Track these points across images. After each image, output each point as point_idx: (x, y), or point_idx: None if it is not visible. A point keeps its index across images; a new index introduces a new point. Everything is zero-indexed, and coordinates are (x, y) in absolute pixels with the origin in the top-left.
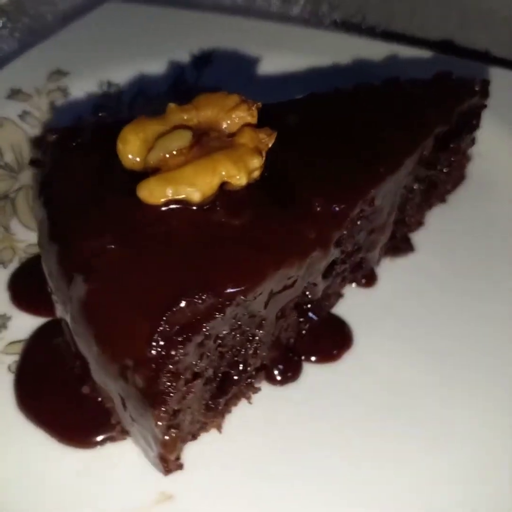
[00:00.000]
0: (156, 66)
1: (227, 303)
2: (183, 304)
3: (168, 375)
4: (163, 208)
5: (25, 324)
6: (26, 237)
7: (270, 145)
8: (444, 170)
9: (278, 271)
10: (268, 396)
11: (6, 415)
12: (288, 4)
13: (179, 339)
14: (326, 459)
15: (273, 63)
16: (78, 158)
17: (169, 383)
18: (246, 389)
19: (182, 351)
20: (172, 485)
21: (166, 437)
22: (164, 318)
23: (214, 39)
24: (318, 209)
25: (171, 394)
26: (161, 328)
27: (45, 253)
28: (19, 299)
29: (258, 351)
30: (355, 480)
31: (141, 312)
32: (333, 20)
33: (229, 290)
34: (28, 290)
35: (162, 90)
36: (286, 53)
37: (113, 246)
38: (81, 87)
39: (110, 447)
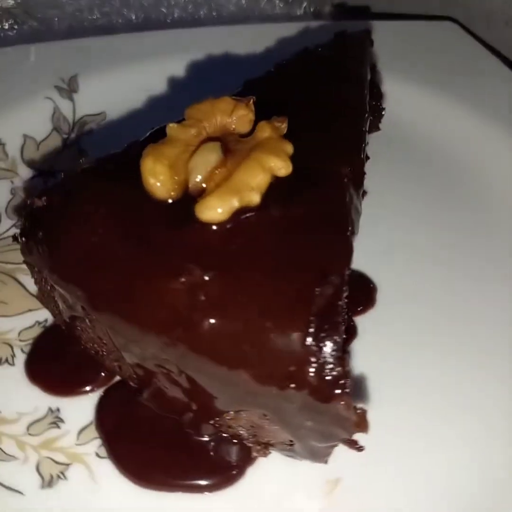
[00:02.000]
0: (30, 109)
1: (343, 278)
2: (317, 293)
3: (336, 361)
4: (225, 222)
5: (77, 407)
6: (10, 326)
7: (285, 131)
8: (375, 114)
9: (349, 238)
10: None
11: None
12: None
13: (330, 326)
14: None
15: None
16: (90, 211)
17: (339, 368)
18: None
19: (338, 335)
20: (332, 471)
21: (358, 417)
22: (310, 312)
23: (76, 66)
24: (345, 180)
25: (346, 377)
26: (311, 323)
27: (104, 318)
28: (57, 387)
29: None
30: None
31: (284, 318)
32: None
33: (338, 266)
34: (59, 375)
35: (45, 130)
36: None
37: (206, 278)
38: None
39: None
